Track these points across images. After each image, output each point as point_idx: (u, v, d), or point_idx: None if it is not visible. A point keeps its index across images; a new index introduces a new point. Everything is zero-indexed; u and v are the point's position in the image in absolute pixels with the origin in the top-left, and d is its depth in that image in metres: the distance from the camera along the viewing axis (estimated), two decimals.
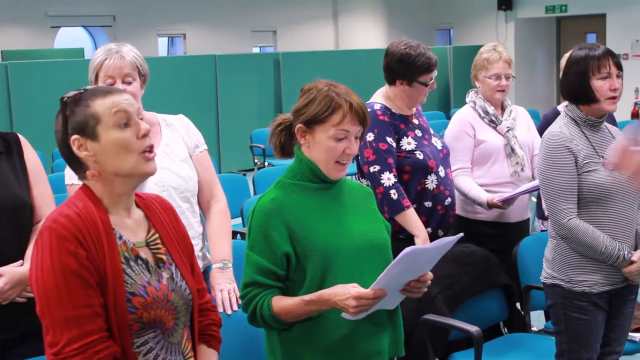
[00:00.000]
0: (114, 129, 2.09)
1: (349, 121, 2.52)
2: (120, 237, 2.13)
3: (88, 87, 2.18)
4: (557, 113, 4.40)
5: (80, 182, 2.96)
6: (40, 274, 2.02)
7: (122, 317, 2.04)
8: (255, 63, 12.85)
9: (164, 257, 2.21)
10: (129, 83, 3.04)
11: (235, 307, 2.90)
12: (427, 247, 2.46)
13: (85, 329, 1.99)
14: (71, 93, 2.14)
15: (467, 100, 4.37)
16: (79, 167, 2.15)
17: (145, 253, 2.17)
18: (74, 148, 2.11)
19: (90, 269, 2.02)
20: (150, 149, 2.14)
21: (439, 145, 3.95)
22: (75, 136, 2.10)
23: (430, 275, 2.49)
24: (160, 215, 2.28)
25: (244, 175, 7.27)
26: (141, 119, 2.15)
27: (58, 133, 2.15)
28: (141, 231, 2.21)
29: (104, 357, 2.00)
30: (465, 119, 4.27)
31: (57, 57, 14.61)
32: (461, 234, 2.58)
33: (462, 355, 3.62)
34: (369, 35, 18.20)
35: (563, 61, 4.70)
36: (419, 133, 3.89)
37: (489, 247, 3.99)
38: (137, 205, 2.25)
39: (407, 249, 2.29)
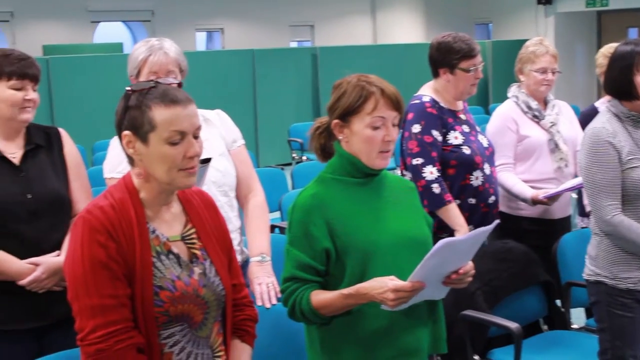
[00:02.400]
0: (165, 143, 2.08)
1: (382, 107, 2.51)
2: (154, 231, 2.15)
3: (160, 81, 2.16)
4: (595, 110, 4.35)
5: (119, 177, 3.02)
6: (71, 262, 2.07)
7: (149, 310, 2.07)
8: (293, 58, 12.84)
9: (198, 252, 2.22)
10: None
11: (274, 301, 2.89)
12: (462, 239, 2.43)
13: (110, 318, 2.03)
14: (139, 85, 2.13)
15: (510, 95, 4.32)
16: (129, 157, 2.17)
17: (178, 248, 2.19)
18: (123, 142, 2.13)
19: (119, 261, 2.05)
20: (193, 167, 2.14)
21: (485, 143, 3.93)
22: (127, 132, 2.11)
23: (471, 265, 2.47)
24: (199, 209, 2.29)
25: (282, 169, 7.26)
26: (196, 137, 2.14)
27: (117, 115, 2.15)
28: (177, 225, 2.22)
29: (127, 346, 2.03)
30: (507, 113, 4.24)
31: (96, 52, 14.73)
32: (497, 221, 2.55)
33: (501, 352, 3.59)
34: (407, 29, 18.13)
35: (599, 57, 4.65)
36: (466, 128, 3.88)
37: (530, 244, 3.95)
38: (178, 199, 2.26)
39: (442, 241, 2.28)
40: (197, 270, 2.19)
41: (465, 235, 2.42)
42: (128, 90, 2.14)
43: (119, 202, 2.11)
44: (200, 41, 19.55)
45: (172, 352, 2.13)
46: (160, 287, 2.09)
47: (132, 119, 2.10)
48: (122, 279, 2.06)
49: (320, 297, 2.47)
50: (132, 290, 2.07)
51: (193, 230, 2.24)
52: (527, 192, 4.06)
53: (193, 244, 2.22)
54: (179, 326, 2.13)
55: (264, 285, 2.95)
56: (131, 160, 2.17)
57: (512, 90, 4.33)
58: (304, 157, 9.91)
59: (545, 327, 3.96)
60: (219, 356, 2.25)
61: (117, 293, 2.04)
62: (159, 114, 2.07)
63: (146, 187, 2.16)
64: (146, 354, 2.08)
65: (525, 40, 4.48)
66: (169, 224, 2.20)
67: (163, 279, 2.10)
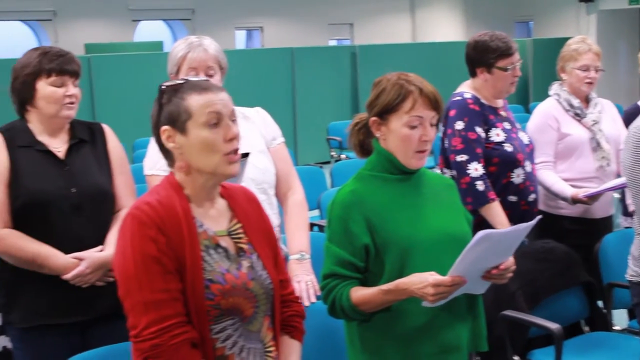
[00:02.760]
0: (204, 127, 2.11)
1: (420, 106, 2.51)
2: (201, 226, 2.15)
3: (189, 78, 2.21)
4: (638, 108, 4.31)
5: (159, 174, 3.04)
6: (122, 259, 2.07)
7: (200, 303, 2.07)
8: (332, 56, 12.84)
9: (245, 246, 2.23)
10: (211, 76, 3.06)
11: (313, 299, 2.90)
12: (501, 232, 2.42)
13: (163, 313, 2.02)
14: (171, 82, 2.17)
15: (551, 93, 4.29)
16: (167, 155, 2.19)
17: (226, 242, 2.19)
18: (163, 138, 2.14)
19: (170, 256, 2.06)
20: (235, 151, 2.15)
21: (525, 140, 3.90)
22: (165, 127, 2.13)
23: (512, 261, 2.45)
24: (243, 205, 2.30)
25: (321, 167, 7.26)
26: (234, 120, 2.16)
27: (153, 117, 2.18)
28: (223, 220, 2.23)
29: (181, 341, 2.03)
30: (549, 111, 4.20)
31: (137, 50, 14.88)
32: (540, 216, 2.53)
33: (541, 353, 3.56)
34: (446, 27, 18.06)
35: None
36: (507, 126, 3.86)
37: (570, 243, 3.91)
38: (222, 196, 2.27)
39: (480, 233, 2.26)
40: (245, 263, 2.20)
41: (505, 229, 2.41)
42: (161, 88, 2.17)
43: (166, 198, 2.12)
44: (239, 39, 19.64)
45: (224, 346, 2.13)
46: (210, 280, 2.09)
47: (169, 113, 2.12)
48: (173, 273, 2.06)
49: (360, 293, 2.47)
50: (183, 285, 2.07)
51: (239, 225, 2.24)
52: (568, 190, 4.03)
53: (240, 238, 2.23)
54: (231, 320, 2.13)
55: (303, 283, 2.96)
56: (170, 159, 2.18)
57: (554, 88, 4.29)
58: (343, 156, 9.89)
59: (586, 328, 3.92)
60: (270, 351, 2.25)
61: (170, 287, 2.04)
62: (194, 101, 2.11)
63: (190, 183, 2.17)
64: (199, 348, 2.08)
65: (566, 39, 4.44)
66: (215, 220, 2.21)
67: (213, 272, 2.11)
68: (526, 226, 2.39)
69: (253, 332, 2.19)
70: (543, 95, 4.38)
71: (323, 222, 5.12)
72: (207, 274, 2.10)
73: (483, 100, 3.84)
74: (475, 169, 3.68)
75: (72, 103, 2.93)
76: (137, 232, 2.05)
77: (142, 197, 2.16)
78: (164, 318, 2.02)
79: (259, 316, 2.21)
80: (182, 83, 2.16)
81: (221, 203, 2.25)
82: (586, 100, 4.27)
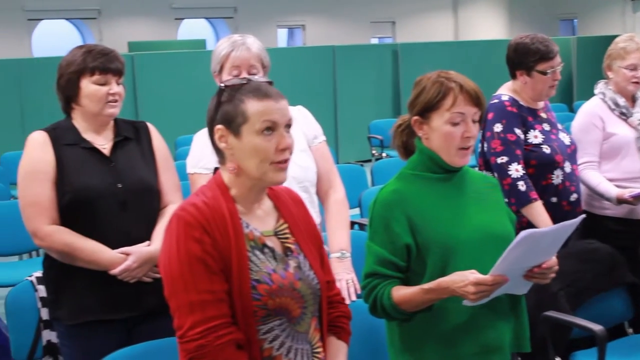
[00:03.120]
0: (257, 134, 2.10)
1: (461, 102, 2.50)
2: (247, 226, 2.15)
3: (253, 78, 2.20)
4: None
5: (201, 172, 3.06)
6: (168, 260, 2.08)
7: (247, 304, 2.07)
8: (374, 54, 12.82)
9: (292, 246, 2.22)
10: (253, 74, 3.07)
11: (354, 297, 2.90)
12: (544, 231, 2.40)
13: (209, 314, 2.03)
14: (232, 81, 2.17)
15: (596, 91, 4.24)
16: (219, 153, 2.19)
17: (272, 242, 2.19)
18: (215, 137, 2.15)
19: (215, 256, 2.06)
20: (286, 161, 2.15)
21: (566, 141, 3.87)
22: (220, 126, 2.13)
23: (555, 261, 2.43)
24: (289, 206, 2.29)
25: (362, 166, 7.25)
26: (289, 128, 2.16)
27: (209, 113, 2.18)
28: (270, 220, 2.23)
29: (226, 342, 2.03)
30: (594, 111, 4.15)
31: (180, 48, 14.99)
32: (583, 215, 2.50)
33: (584, 355, 3.52)
34: (489, 25, 17.95)
35: None
36: (546, 127, 3.83)
37: (614, 244, 3.86)
38: (268, 196, 2.27)
39: (524, 232, 2.25)
40: (292, 263, 2.19)
41: (548, 228, 2.38)
42: (221, 86, 2.17)
43: (212, 199, 2.13)
44: (281, 38, 19.70)
45: (272, 347, 2.12)
46: (257, 280, 2.09)
47: (225, 113, 2.12)
48: (219, 274, 2.06)
49: (401, 292, 2.46)
50: (229, 286, 2.07)
51: (285, 226, 2.24)
52: (612, 191, 3.98)
53: (286, 238, 2.23)
54: (278, 320, 2.12)
55: (344, 282, 2.96)
56: (222, 157, 2.19)
57: (599, 87, 4.24)
58: (384, 154, 9.88)
59: (630, 330, 3.87)
60: (317, 352, 2.24)
61: (215, 288, 2.05)
62: (252, 106, 2.10)
63: (237, 184, 2.17)
64: (245, 349, 2.07)
65: (611, 37, 4.39)
66: (262, 220, 2.21)
67: (259, 273, 2.10)
68: (570, 224, 2.37)
69: (301, 333, 2.18)
70: (587, 94, 4.34)
71: (363, 221, 5.11)
72: (253, 275, 2.09)
73: (522, 102, 3.82)
74: (516, 169, 3.66)
75: (115, 101, 2.95)
76: (182, 233, 2.06)
77: (188, 198, 2.17)
78: (209, 319, 2.02)
79: (306, 317, 2.20)
80: (244, 84, 2.15)
81: (267, 203, 2.25)
82: (632, 100, 4.22)
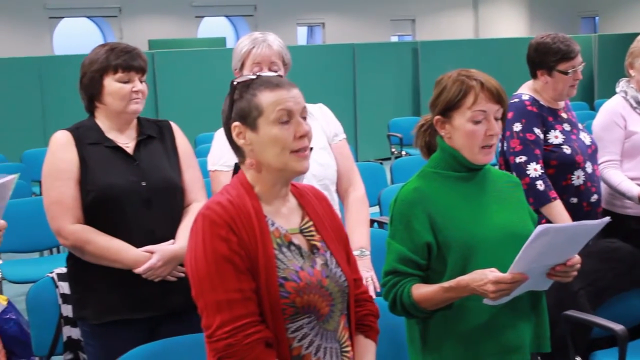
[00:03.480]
0: (274, 124, 2.10)
1: (483, 100, 2.49)
2: (273, 224, 2.14)
3: (261, 74, 2.21)
4: None
5: (222, 169, 3.06)
6: (194, 259, 2.07)
7: (275, 302, 2.06)
8: (394, 52, 12.80)
9: (318, 244, 2.21)
10: (275, 72, 3.08)
11: (374, 295, 2.89)
12: (563, 227, 2.38)
13: (237, 313, 2.02)
14: (243, 78, 2.18)
15: (618, 90, 4.22)
16: (238, 151, 2.19)
17: (298, 240, 2.18)
18: (234, 134, 2.15)
19: (242, 255, 2.05)
20: (305, 148, 2.15)
21: (587, 141, 3.85)
22: (236, 123, 2.13)
23: (577, 259, 2.42)
24: (314, 203, 2.29)
25: (381, 164, 7.24)
26: (305, 117, 2.16)
27: (224, 113, 2.19)
28: (295, 218, 2.22)
29: (255, 340, 2.02)
30: (615, 109, 4.13)
31: (200, 46, 15.03)
32: (607, 219, 2.49)
33: (604, 354, 3.50)
34: (510, 23, 17.88)
35: None
36: (567, 127, 3.82)
37: (636, 243, 3.84)
38: (292, 194, 2.26)
39: (541, 227, 2.23)
40: (319, 261, 2.18)
41: (566, 224, 2.37)
42: (232, 83, 2.17)
43: (236, 197, 2.12)
44: (301, 36, 19.71)
45: (301, 345, 2.11)
46: (284, 278, 2.08)
47: (240, 110, 2.13)
48: (246, 273, 2.05)
49: (421, 290, 2.46)
50: (256, 284, 2.06)
51: (311, 223, 2.23)
52: (634, 190, 3.95)
53: (312, 236, 2.22)
54: (307, 318, 2.11)
55: (364, 280, 2.95)
56: (241, 156, 2.18)
57: (621, 85, 4.22)
58: (403, 152, 9.87)
59: None
60: (347, 351, 2.23)
61: (242, 287, 2.04)
62: (265, 98, 2.11)
63: (260, 180, 2.16)
64: (274, 348, 2.07)
65: (633, 35, 4.36)
66: (287, 218, 2.20)
67: (287, 270, 2.09)
68: (592, 225, 2.35)
69: (330, 331, 2.17)
70: (608, 92, 4.32)
71: (383, 219, 5.11)
72: (280, 272, 2.08)
73: (542, 102, 3.81)
74: (535, 169, 3.65)
75: (138, 98, 2.97)
76: (208, 232, 2.06)
77: (213, 197, 2.17)
78: (238, 317, 2.02)
79: (335, 315, 2.18)
80: (254, 79, 2.16)
81: (292, 201, 2.25)
82: None
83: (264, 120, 2.10)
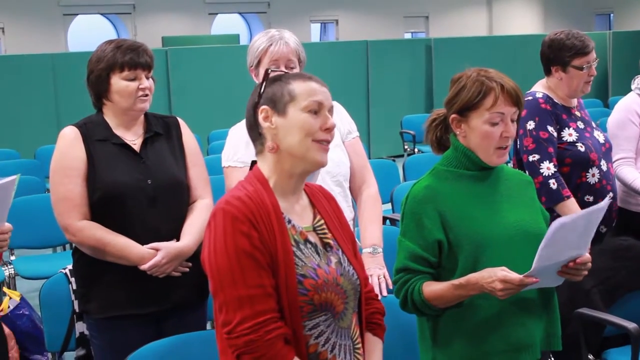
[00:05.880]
0: (304, 111, 2.13)
1: (502, 103, 2.48)
2: (289, 221, 2.15)
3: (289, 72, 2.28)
4: None
5: (237, 165, 3.07)
6: (214, 255, 2.06)
7: (294, 299, 2.06)
8: (407, 49, 12.78)
9: (331, 242, 2.22)
10: (291, 69, 3.08)
11: (385, 293, 2.90)
12: (575, 217, 2.36)
13: (258, 309, 2.02)
14: (278, 70, 2.24)
15: (633, 87, 4.20)
16: (257, 137, 2.19)
17: (313, 237, 2.19)
18: (260, 117, 2.16)
19: (263, 251, 2.05)
20: (328, 142, 2.16)
21: (601, 139, 3.83)
22: (264, 107, 2.15)
23: (588, 257, 2.42)
24: (323, 203, 2.30)
25: (394, 161, 7.24)
26: (331, 115, 2.19)
27: (252, 97, 2.21)
28: (308, 216, 2.23)
29: (276, 336, 2.02)
30: (630, 106, 4.11)
31: (213, 43, 15.05)
32: (609, 200, 2.47)
33: (617, 352, 3.49)
34: (524, 20, 17.82)
35: None
36: (581, 125, 3.80)
37: None
38: (305, 192, 2.27)
39: (556, 223, 2.23)
40: (333, 259, 2.19)
41: (578, 213, 2.36)
42: (266, 71, 2.21)
43: (254, 193, 2.12)
44: (314, 32, 19.71)
45: (317, 343, 2.11)
46: (303, 275, 2.08)
47: (271, 95, 2.15)
48: (266, 269, 2.05)
49: (432, 288, 2.46)
50: (275, 280, 2.06)
51: (322, 222, 2.24)
52: None
53: (325, 234, 2.23)
54: (323, 316, 2.12)
55: (376, 277, 2.96)
56: (261, 143, 2.19)
57: (636, 82, 4.20)
58: (416, 149, 9.86)
59: None
60: (358, 348, 2.24)
61: (263, 282, 2.03)
62: (298, 86, 2.15)
63: (276, 171, 2.17)
64: (292, 345, 2.06)
65: None
66: (300, 216, 2.21)
67: (305, 267, 2.10)
68: (598, 208, 2.35)
69: (344, 329, 2.18)
70: (622, 89, 4.30)
71: (395, 216, 5.10)
72: (299, 269, 2.09)
73: (556, 100, 3.80)
74: (548, 167, 3.64)
75: (145, 95, 2.97)
76: (230, 227, 2.05)
77: (231, 192, 2.16)
78: (259, 313, 2.01)
79: (348, 312, 2.19)
80: (286, 73, 2.23)
81: (304, 199, 2.26)
82: None
83: (295, 106, 2.13)
